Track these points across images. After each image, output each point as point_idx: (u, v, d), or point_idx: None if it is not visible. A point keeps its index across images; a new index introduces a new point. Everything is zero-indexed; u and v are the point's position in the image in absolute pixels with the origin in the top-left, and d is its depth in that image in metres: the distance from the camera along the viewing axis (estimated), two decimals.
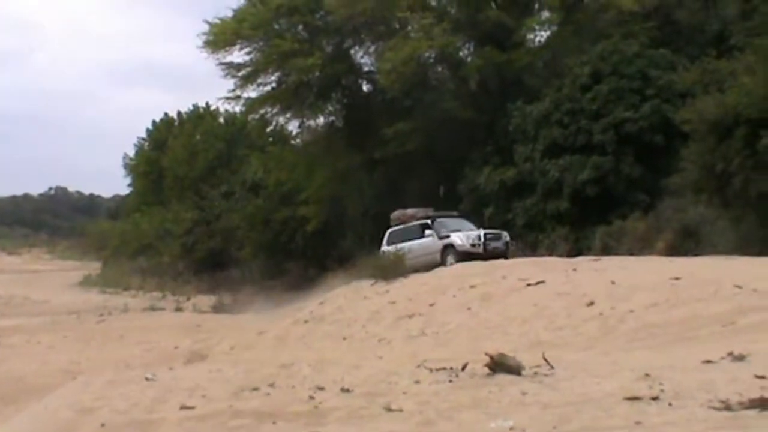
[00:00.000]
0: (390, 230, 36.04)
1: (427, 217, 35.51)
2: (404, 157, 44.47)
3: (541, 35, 46.47)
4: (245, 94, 49.56)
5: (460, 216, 36.94)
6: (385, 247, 35.15)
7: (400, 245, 34.17)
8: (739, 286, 18.60)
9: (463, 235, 33.69)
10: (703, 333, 15.96)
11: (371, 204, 47.42)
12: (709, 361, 10.99)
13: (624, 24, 41.75)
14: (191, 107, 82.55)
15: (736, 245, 30.11)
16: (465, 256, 32.32)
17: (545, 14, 45.65)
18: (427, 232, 34.42)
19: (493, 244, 33.32)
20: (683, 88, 34.33)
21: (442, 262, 32.63)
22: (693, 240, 31.81)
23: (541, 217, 37.24)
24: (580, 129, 37.49)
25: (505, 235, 34.50)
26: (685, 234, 32.07)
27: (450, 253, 33.12)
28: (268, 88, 49.10)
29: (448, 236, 33.70)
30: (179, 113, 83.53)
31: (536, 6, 46.01)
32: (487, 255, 32.13)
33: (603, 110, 37.27)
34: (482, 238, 33.19)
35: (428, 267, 32.03)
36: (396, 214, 36.99)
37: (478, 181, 40.54)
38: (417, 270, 31.55)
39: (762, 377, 9.05)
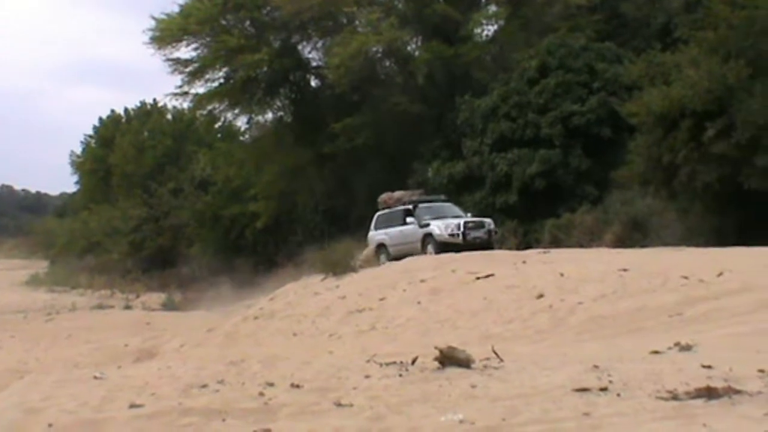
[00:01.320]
0: (378, 213, 34.55)
1: (411, 202, 33.72)
2: (353, 152, 44.54)
3: (489, 29, 46.83)
4: (193, 90, 49.54)
5: (448, 201, 35.23)
6: (372, 232, 34.00)
7: (385, 231, 33.12)
8: (685, 277, 18.77)
9: (442, 223, 31.96)
10: (650, 324, 16.08)
11: (321, 199, 47.49)
12: (656, 352, 11.08)
13: (571, 18, 42.08)
14: (138, 104, 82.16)
15: (682, 236, 30.44)
16: (444, 246, 30.94)
17: (492, 8, 45.97)
18: (409, 219, 32.66)
19: (474, 234, 31.66)
20: (629, 81, 34.61)
21: (423, 253, 31.21)
22: (641, 232, 32.11)
23: (490, 210, 37.40)
24: (527, 122, 37.71)
25: (489, 223, 32.61)
26: (632, 226, 32.36)
27: (430, 242, 31.67)
28: (215, 84, 49.11)
29: (428, 224, 32.03)
30: (126, 110, 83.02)
31: (483, 0, 46.19)
32: (467, 245, 30.70)
33: (550, 104, 37.52)
34: (462, 227, 31.54)
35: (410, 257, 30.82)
36: (383, 197, 35.40)
37: (427, 175, 40.65)
38: (399, 259, 30.63)
39: (708, 367, 9.13)
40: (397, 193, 35.14)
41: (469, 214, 33.28)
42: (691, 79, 29.65)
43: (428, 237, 31.63)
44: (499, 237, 33.52)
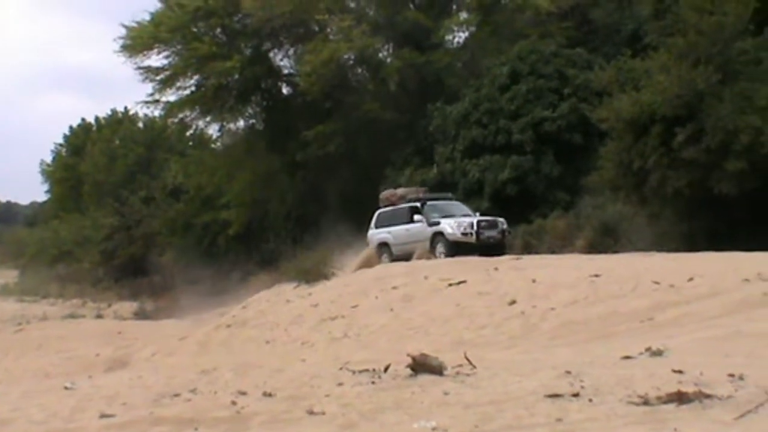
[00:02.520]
0: (379, 211, 33.41)
1: (418, 200, 32.50)
2: (325, 159, 44.55)
3: (460, 36, 46.98)
4: (164, 98, 49.49)
5: (455, 199, 34.25)
6: (372, 230, 32.99)
7: (388, 229, 32.15)
8: (656, 282, 18.86)
9: (455, 222, 30.85)
10: (622, 329, 16.15)
11: (293, 206, 47.45)
12: (628, 357, 11.12)
13: (541, 24, 42.25)
14: (109, 112, 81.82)
15: (653, 241, 30.56)
16: (456, 246, 30.08)
17: (463, 15, 46.08)
18: (416, 217, 31.44)
19: (488, 233, 30.71)
20: (600, 87, 34.72)
21: (431, 252, 30.54)
22: (612, 237, 32.23)
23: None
24: (499, 129, 37.80)
25: (502, 223, 31.58)
26: (604, 231, 32.48)
27: (440, 242, 30.63)
28: (187, 91, 49.06)
29: (438, 223, 30.92)
30: (97, 118, 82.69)
31: (454, 7, 46.41)
32: (481, 245, 30.07)
33: (522, 110, 37.63)
34: (475, 226, 30.54)
35: (410, 258, 30.39)
36: (385, 193, 34.43)
37: (399, 181, 40.65)
38: (403, 259, 30.27)
39: (679, 372, 9.18)
40: (401, 190, 34.24)
41: (477, 213, 32.29)
42: (660, 84, 29.80)
43: (438, 236, 30.67)
44: (511, 238, 32.54)
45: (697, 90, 29.14)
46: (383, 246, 32.23)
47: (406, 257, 30.49)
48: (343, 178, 44.43)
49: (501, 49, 41.32)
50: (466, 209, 32.62)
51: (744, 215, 29.41)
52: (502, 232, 31.22)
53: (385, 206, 33.25)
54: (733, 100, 28.74)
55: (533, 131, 37.15)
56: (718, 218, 29.60)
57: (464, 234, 30.38)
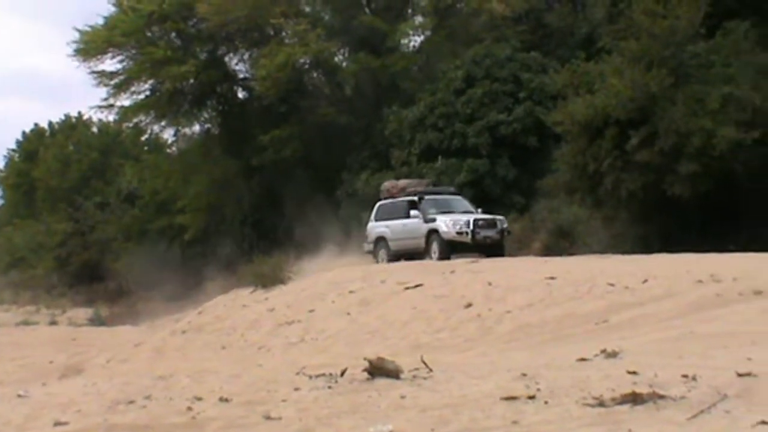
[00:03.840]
0: (379, 203, 31.98)
1: (416, 193, 30.97)
2: (282, 164, 44.49)
3: (415, 40, 47.08)
4: (118, 103, 49.21)
5: (457, 194, 32.60)
6: (371, 223, 31.60)
7: (386, 223, 30.87)
8: (611, 284, 18.99)
9: (450, 219, 29.35)
10: (577, 331, 16.24)
11: (249, 211, 47.33)
12: (583, 359, 11.17)
13: (496, 28, 42.39)
14: (63, 117, 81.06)
15: (608, 244, 30.79)
16: (451, 245, 28.87)
17: (419, 19, 46.18)
18: (413, 212, 29.98)
19: (485, 233, 29.20)
20: (555, 91, 34.93)
21: (426, 251, 29.32)
22: (567, 240, 32.43)
23: None
24: (455, 132, 37.90)
25: (502, 222, 30.15)
26: (559, 234, 32.67)
27: (434, 240, 29.26)
28: (141, 96, 48.77)
29: (434, 219, 29.51)
30: (51, 123, 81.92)
31: (409, 11, 46.48)
32: (477, 245, 28.96)
33: (477, 113, 37.76)
34: (471, 225, 29.01)
35: (413, 254, 29.44)
36: (386, 184, 32.97)
37: (356, 185, 40.66)
38: (400, 257, 29.63)
39: (634, 373, 9.23)
40: (402, 182, 32.87)
41: (479, 210, 30.68)
42: (614, 88, 30.02)
43: (433, 234, 29.32)
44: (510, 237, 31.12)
45: (650, 93, 29.39)
46: (381, 241, 31.08)
47: (404, 254, 29.58)
48: (300, 182, 44.36)
49: (456, 53, 41.44)
50: (468, 206, 31.09)
51: (697, 217, 29.70)
52: (501, 231, 29.81)
53: (386, 198, 31.97)
54: (686, 103, 29.02)
55: (489, 135, 37.29)
56: (671, 220, 29.88)
57: (459, 233, 28.99)
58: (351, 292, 24.32)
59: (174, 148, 56.75)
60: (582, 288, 19.32)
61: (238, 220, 48.38)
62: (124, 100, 49.04)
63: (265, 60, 43.64)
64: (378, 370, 9.79)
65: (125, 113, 50.21)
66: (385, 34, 43.72)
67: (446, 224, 29.11)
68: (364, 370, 9.84)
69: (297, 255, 35.79)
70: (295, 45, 43.92)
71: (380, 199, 32.15)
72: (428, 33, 45.94)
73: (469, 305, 19.79)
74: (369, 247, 31.57)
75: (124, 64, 47.97)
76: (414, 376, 9.91)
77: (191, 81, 47.32)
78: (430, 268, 26.22)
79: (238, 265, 38.46)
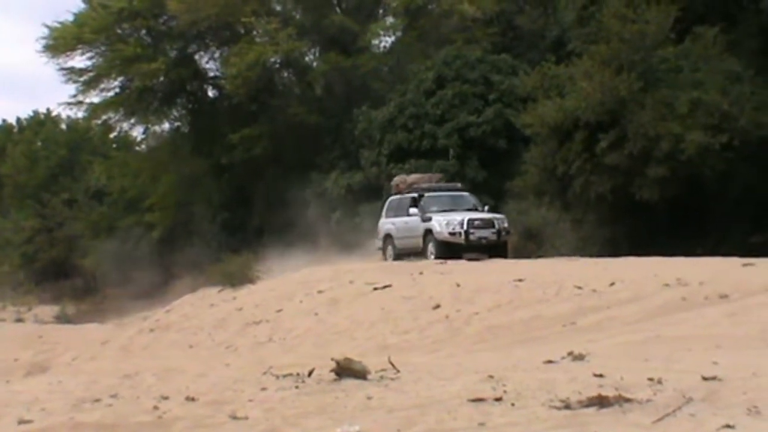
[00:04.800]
0: (389, 199, 31.25)
1: (418, 190, 30.11)
2: (251, 163, 44.43)
3: (386, 40, 47.08)
4: (88, 100, 48.93)
5: (463, 191, 31.44)
6: (382, 220, 30.85)
7: (393, 220, 30.10)
8: (579, 287, 19.06)
9: (444, 219, 28.38)
10: (545, 333, 16.28)
11: (218, 210, 47.19)
12: (550, 361, 11.20)
13: (467, 30, 42.47)
14: (31, 113, 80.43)
15: (576, 246, 30.93)
16: (446, 246, 27.87)
17: (390, 20, 46.19)
18: (412, 210, 29.10)
19: (481, 233, 28.11)
20: (524, 93, 34.99)
21: (423, 251, 28.52)
22: (535, 242, 32.51)
23: None
24: (424, 133, 37.92)
25: (500, 221, 28.89)
26: (527, 236, 32.73)
27: (430, 240, 28.38)
28: (111, 93, 48.56)
29: (430, 218, 28.60)
30: (18, 119, 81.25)
31: (380, 11, 46.48)
32: (471, 247, 27.94)
33: (447, 115, 37.79)
34: (465, 225, 28.00)
35: (414, 254, 28.64)
36: (396, 179, 31.98)
37: (325, 185, 40.62)
38: (402, 256, 29.02)
39: (600, 376, 9.27)
40: (412, 177, 31.87)
41: (486, 208, 29.83)
42: (584, 91, 30.12)
43: (429, 233, 28.46)
44: (511, 238, 29.87)
45: (620, 97, 29.52)
46: (388, 238, 30.31)
47: (409, 253, 28.84)
48: (269, 181, 44.33)
49: (427, 54, 41.50)
50: (472, 203, 30.03)
51: (664, 221, 29.87)
52: (498, 232, 28.52)
53: (395, 194, 31.06)
54: (655, 107, 29.17)
55: (458, 136, 37.33)
56: (639, 223, 30.03)
57: (452, 233, 28.03)
58: (319, 292, 24.31)
59: (143, 146, 56.54)
60: (550, 290, 19.38)
61: (207, 218, 48.24)
62: (94, 97, 48.89)
63: (235, 58, 43.55)
64: (345, 370, 9.79)
65: (94, 110, 50.00)
66: (355, 34, 43.73)
67: (440, 224, 28.31)
68: (332, 370, 9.84)
69: (266, 254, 35.71)
70: (266, 44, 43.84)
71: (391, 195, 31.43)
72: (399, 34, 45.98)
73: (437, 306, 19.82)
74: (379, 243, 30.90)
75: (94, 60, 47.78)
76: (381, 377, 9.91)
77: (161, 79, 47.14)
78: (399, 269, 26.23)
79: (206, 264, 38.33)
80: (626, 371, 9.55)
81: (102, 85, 48.19)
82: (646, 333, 14.38)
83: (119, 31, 47.42)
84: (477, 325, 18.08)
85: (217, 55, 48.70)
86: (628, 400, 8.00)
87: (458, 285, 21.30)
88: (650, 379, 8.95)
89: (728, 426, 7.10)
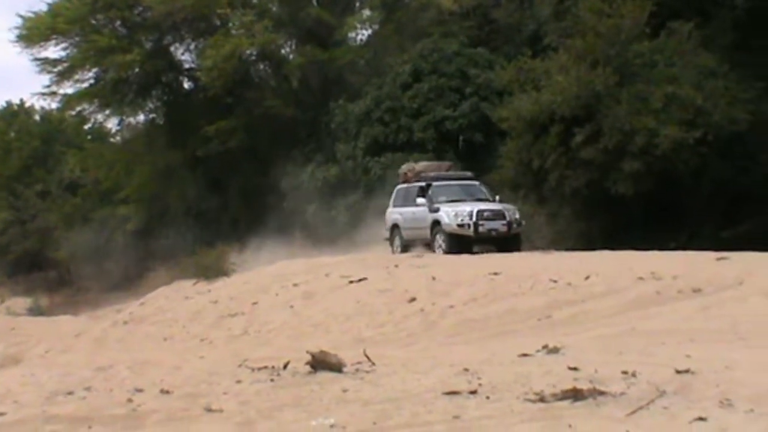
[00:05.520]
0: (397, 188, 30.16)
1: (426, 179, 29.03)
2: (227, 155, 44.33)
3: (363, 34, 47.02)
4: (62, 91, 48.68)
5: (474, 180, 30.26)
6: (390, 209, 29.91)
7: (400, 210, 29.16)
8: (554, 281, 19.10)
9: (452, 209, 27.31)
10: (520, 327, 16.33)
11: (194, 202, 47.09)
12: (525, 355, 11.23)
13: (443, 23, 42.44)
14: (4, 104, 79.87)
15: (551, 240, 31.03)
16: (455, 239, 26.85)
17: (366, 13, 46.11)
18: (419, 200, 28.06)
19: (490, 225, 27.07)
20: (501, 87, 35.08)
21: (431, 243, 27.63)
22: None
23: (363, 214, 37.47)
24: (400, 127, 37.91)
25: (512, 212, 27.75)
26: None
27: (438, 232, 27.34)
28: (85, 84, 48.32)
29: (438, 209, 27.59)
30: None
31: (357, 4, 46.40)
32: (480, 239, 27.12)
33: (423, 108, 37.80)
34: (474, 216, 26.92)
35: (422, 245, 27.95)
36: (404, 167, 30.82)
37: (301, 178, 40.57)
38: (410, 248, 28.32)
39: (574, 369, 9.30)
40: (421, 165, 30.64)
41: (497, 198, 28.77)
42: (560, 85, 30.20)
43: (437, 225, 27.43)
44: (524, 229, 28.58)
45: (595, 91, 29.63)
46: (395, 228, 29.46)
47: (416, 245, 28.16)
48: (245, 174, 44.25)
49: (403, 47, 41.48)
50: (483, 193, 28.97)
51: (639, 215, 30.00)
52: (509, 224, 27.38)
53: (403, 182, 30.03)
54: (630, 101, 29.30)
55: (435, 130, 37.35)
56: (614, 217, 30.15)
57: (460, 225, 26.91)
58: (295, 285, 24.26)
59: (118, 138, 56.30)
60: (525, 284, 19.42)
61: (182, 210, 48.12)
62: (68, 88, 48.64)
63: (211, 51, 43.39)
64: (321, 363, 9.79)
65: (68, 101, 49.75)
66: (332, 27, 43.66)
67: (448, 215, 27.23)
68: (307, 363, 9.84)
69: (241, 246, 35.68)
70: (242, 36, 43.71)
71: (398, 183, 30.42)
72: (376, 27, 45.92)
73: (413, 300, 19.81)
74: (386, 234, 30.12)
75: (68, 51, 47.53)
76: (357, 370, 9.92)
77: (136, 70, 46.93)
78: (375, 262, 26.22)
79: (181, 257, 38.23)
80: (600, 364, 9.58)
81: (76, 76, 47.95)
82: (620, 326, 14.45)
83: (94, 21, 47.16)
84: (452, 319, 18.09)
85: (192, 46, 48.51)
86: (602, 393, 8.04)
87: (434, 278, 21.31)
88: (624, 373, 8.99)
89: (701, 418, 7.15)
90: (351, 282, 22.88)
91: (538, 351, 11.47)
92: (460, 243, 26.65)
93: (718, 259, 20.59)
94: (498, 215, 27.39)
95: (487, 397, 8.20)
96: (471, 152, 37.13)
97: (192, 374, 10.16)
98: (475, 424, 7.35)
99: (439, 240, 27.28)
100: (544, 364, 10.10)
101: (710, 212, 30.45)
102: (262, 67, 47.80)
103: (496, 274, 20.66)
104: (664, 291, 17.25)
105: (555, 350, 11.42)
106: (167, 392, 8.79)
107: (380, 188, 37.50)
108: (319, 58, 42.97)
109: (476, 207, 27.39)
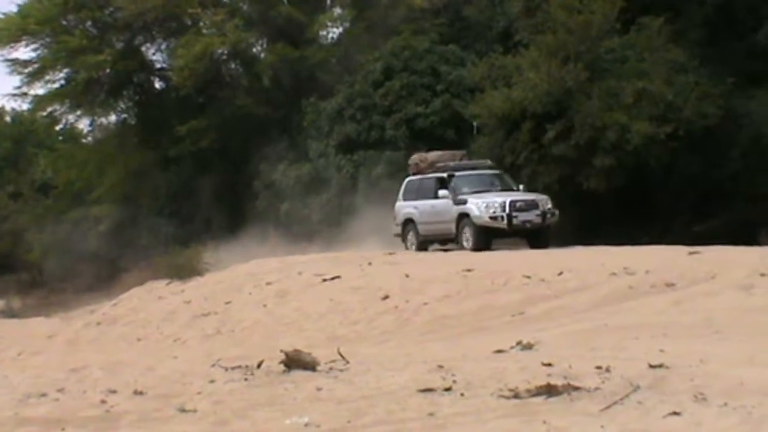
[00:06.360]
0: (407, 179, 28.63)
1: (446, 169, 27.46)
2: (199, 155, 44.16)
3: (334, 32, 46.87)
4: (32, 92, 48.31)
5: (495, 169, 28.73)
6: (399, 203, 28.29)
7: (414, 203, 27.54)
8: (528, 277, 19.18)
9: (482, 201, 25.79)
10: (494, 323, 16.38)
11: (166, 202, 46.88)
12: (499, 351, 11.26)
13: (414, 20, 42.39)
14: None
15: None
16: (484, 232, 25.51)
17: (337, 11, 46.03)
18: (441, 192, 26.56)
19: (525, 217, 25.67)
20: (472, 84, 35.08)
21: (457, 238, 26.16)
22: None
23: (337, 212, 37.41)
24: (372, 125, 37.83)
25: (545, 202, 26.42)
26: None
27: (466, 225, 25.78)
28: (56, 85, 47.93)
29: (465, 201, 26.03)
30: None
31: (328, 2, 46.29)
32: (514, 232, 25.91)
33: (395, 106, 37.72)
34: (507, 208, 25.51)
35: (443, 240, 26.99)
36: (414, 158, 29.20)
37: (273, 177, 40.45)
38: (428, 243, 27.24)
39: (549, 365, 9.34)
40: (433, 154, 29.02)
41: (521, 187, 27.46)
42: (531, 81, 30.29)
43: (464, 218, 25.86)
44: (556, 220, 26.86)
45: (566, 87, 29.75)
46: (409, 223, 27.82)
47: (436, 240, 27.17)
48: (217, 173, 44.11)
49: (375, 45, 41.40)
50: (507, 183, 27.61)
51: (611, 210, 30.12)
52: (543, 214, 26.06)
53: (414, 174, 28.51)
54: (601, 97, 29.45)
55: (406, 127, 37.31)
56: (586, 213, 30.23)
57: (492, 218, 25.42)
58: (268, 283, 24.24)
59: (89, 138, 56.00)
60: (498, 280, 19.49)
61: (155, 211, 47.89)
62: (39, 89, 48.30)
63: (182, 50, 43.20)
64: (294, 362, 9.77)
65: (39, 102, 49.47)
66: (303, 26, 43.55)
67: (478, 207, 25.66)
68: (281, 362, 9.81)
69: (214, 246, 35.55)
70: (213, 35, 43.55)
71: (408, 175, 28.94)
72: (347, 25, 45.85)
73: (386, 297, 19.84)
74: (397, 229, 28.48)
75: (39, 52, 47.17)
76: (330, 369, 9.91)
77: (107, 70, 46.64)
78: (348, 260, 26.22)
79: (154, 257, 38.06)
80: (574, 360, 9.62)
81: (47, 77, 47.63)
82: (593, 322, 14.52)
83: (64, 22, 46.88)
84: (426, 316, 18.13)
85: (163, 46, 48.26)
86: (576, 389, 8.07)
87: (407, 275, 21.33)
88: (598, 368, 9.02)
89: (675, 413, 7.18)
90: (324, 280, 22.88)
91: (512, 347, 11.50)
92: (491, 236, 25.65)
93: (691, 253, 20.72)
94: (531, 205, 26.11)
95: (462, 394, 8.21)
96: (443, 149, 37.08)
97: (165, 375, 10.12)
98: (449, 420, 7.36)
99: (467, 234, 25.81)
100: (518, 360, 10.13)
101: (682, 207, 30.64)
102: (233, 66, 47.63)
103: (469, 270, 20.72)
104: (637, 286, 17.36)
105: (529, 346, 11.46)
106: (141, 393, 8.75)
107: (352, 186, 37.50)
108: (291, 57, 42.86)
109: (508, 197, 26.06)
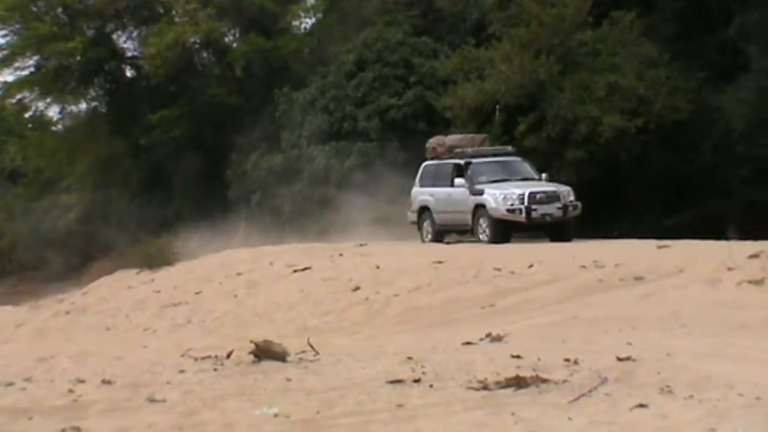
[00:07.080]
0: (424, 164, 27.42)
1: (464, 156, 26.09)
2: (170, 144, 44.01)
3: (307, 22, 46.81)
4: (1, 79, 48.05)
5: (517, 156, 27.27)
6: (415, 189, 27.21)
7: (430, 190, 26.42)
8: (498, 269, 19.24)
9: (500, 192, 24.57)
10: (464, 315, 16.43)
11: (137, 191, 46.73)
12: (469, 343, 11.28)
13: (388, 12, 42.36)
14: None
15: None
16: (502, 224, 24.37)
17: (310, 1, 45.98)
18: (457, 180, 25.39)
19: (545, 210, 24.44)
20: (445, 76, 35.14)
21: (473, 230, 25.04)
22: None
23: (309, 203, 37.37)
24: (345, 116, 37.83)
25: (566, 194, 25.15)
26: None
27: (482, 216, 24.61)
28: (26, 72, 47.63)
29: (482, 191, 24.88)
30: None
31: None
32: (533, 225, 24.82)
33: (368, 97, 37.72)
34: (525, 200, 24.33)
35: (460, 231, 25.97)
36: (432, 141, 27.77)
37: (245, 167, 40.37)
38: (444, 233, 26.24)
39: (518, 357, 9.37)
40: (451, 138, 27.68)
41: (544, 176, 26.07)
42: (504, 74, 30.36)
43: (480, 210, 24.69)
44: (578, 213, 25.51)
45: (539, 80, 29.85)
46: (425, 211, 26.76)
47: (453, 230, 26.14)
48: (189, 162, 43.96)
49: (348, 36, 41.38)
50: (529, 171, 26.21)
51: (582, 203, 30.18)
52: (565, 207, 24.85)
53: (431, 158, 27.29)
54: (573, 90, 29.57)
55: (379, 119, 37.31)
56: None
57: (510, 210, 24.31)
58: (239, 274, 24.22)
59: (60, 126, 55.69)
60: (469, 272, 19.53)
61: (126, 199, 47.72)
62: (8, 76, 48.06)
63: (154, 38, 43.01)
64: (264, 352, 9.77)
65: (9, 89, 49.21)
66: (276, 15, 43.48)
67: (494, 198, 24.54)
68: (251, 352, 9.81)
69: (185, 236, 35.45)
70: (185, 24, 43.39)
71: (425, 159, 27.72)
72: (320, 15, 45.81)
73: (357, 288, 19.86)
74: (413, 216, 27.45)
75: (8, 38, 46.91)
76: (300, 359, 9.91)
77: (78, 58, 46.35)
78: (319, 251, 26.22)
79: (124, 246, 37.97)
80: (543, 352, 9.66)
81: (17, 64, 47.34)
82: (563, 314, 14.58)
83: (34, 8, 46.57)
84: (397, 307, 18.16)
85: (135, 34, 48.01)
86: (545, 381, 8.12)
87: (378, 267, 21.36)
88: (567, 360, 9.07)
89: (642, 405, 7.24)
90: (295, 271, 22.88)
91: (481, 339, 11.54)
92: (509, 229, 24.62)
93: (660, 247, 20.85)
94: (552, 198, 24.87)
95: (431, 386, 8.24)
96: (415, 141, 37.14)
97: (135, 364, 10.09)
98: (419, 412, 7.38)
99: (483, 226, 24.69)
100: (487, 352, 10.16)
101: (652, 200, 30.80)
102: (205, 55, 47.44)
103: (440, 262, 20.77)
104: (606, 279, 17.44)
105: (498, 338, 11.49)
106: (109, 382, 8.72)
107: (324, 177, 37.48)
108: (263, 47, 42.77)
109: (527, 189, 24.80)
